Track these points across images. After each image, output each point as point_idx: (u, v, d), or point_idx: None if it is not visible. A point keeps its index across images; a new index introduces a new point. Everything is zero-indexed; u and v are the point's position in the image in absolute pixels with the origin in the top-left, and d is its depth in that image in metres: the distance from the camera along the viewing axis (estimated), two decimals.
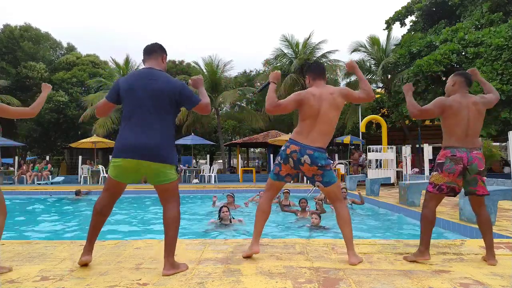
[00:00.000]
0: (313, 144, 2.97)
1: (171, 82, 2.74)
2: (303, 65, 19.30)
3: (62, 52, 29.19)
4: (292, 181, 14.99)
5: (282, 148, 3.08)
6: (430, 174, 3.22)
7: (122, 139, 2.65)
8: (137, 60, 21.82)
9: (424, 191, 7.52)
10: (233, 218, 6.00)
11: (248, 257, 3.09)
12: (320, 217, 5.82)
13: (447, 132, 3.14)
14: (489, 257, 3.04)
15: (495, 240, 3.20)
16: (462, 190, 3.17)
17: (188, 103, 2.79)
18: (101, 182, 15.54)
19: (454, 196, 3.17)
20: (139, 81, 2.69)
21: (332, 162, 3.11)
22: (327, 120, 3.01)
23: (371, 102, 19.85)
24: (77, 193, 10.87)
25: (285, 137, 17.20)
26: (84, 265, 2.83)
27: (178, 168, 15.10)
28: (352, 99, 3.18)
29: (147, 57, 2.87)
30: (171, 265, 2.66)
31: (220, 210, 5.98)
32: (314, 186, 3.16)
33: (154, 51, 2.88)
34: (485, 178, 3.12)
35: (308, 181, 3.26)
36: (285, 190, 8.28)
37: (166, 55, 2.95)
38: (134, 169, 2.67)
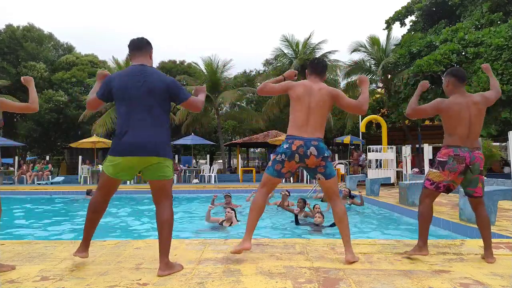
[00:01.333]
0: (314, 136, 3.01)
1: (162, 79, 2.76)
2: (303, 65, 19.31)
3: (62, 53, 29.18)
4: (291, 178, 14.95)
5: (285, 146, 3.04)
6: (427, 171, 3.24)
7: (120, 138, 2.65)
8: None
9: None
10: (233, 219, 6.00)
11: (237, 253, 3.01)
12: (323, 216, 5.85)
13: (449, 131, 3.14)
14: (488, 255, 3.06)
15: (495, 240, 3.21)
16: (462, 190, 3.19)
17: (176, 98, 2.82)
18: None
19: (447, 193, 3.21)
20: (132, 79, 2.69)
21: (330, 153, 3.15)
22: (318, 112, 3.05)
23: (371, 102, 19.87)
24: (88, 192, 10.88)
25: (285, 137, 17.18)
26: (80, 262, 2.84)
27: (179, 168, 15.01)
28: (341, 103, 3.17)
29: (136, 53, 2.84)
30: (166, 266, 2.66)
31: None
32: (315, 179, 3.17)
33: (143, 46, 2.86)
34: (484, 178, 3.14)
35: (308, 175, 3.29)
36: (285, 193, 8.27)
37: (153, 49, 2.94)
38: (133, 166, 2.69)
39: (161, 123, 2.71)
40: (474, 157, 3.03)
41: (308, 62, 3.35)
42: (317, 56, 20.14)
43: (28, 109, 3.08)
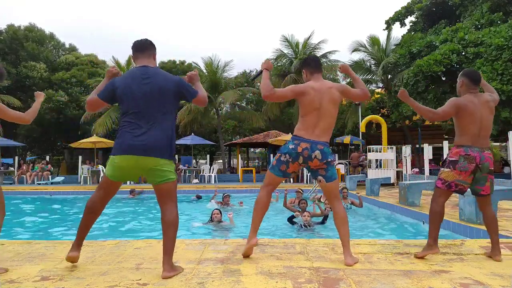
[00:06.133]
0: (320, 139, 3.01)
1: (168, 78, 2.75)
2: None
3: (63, 53, 29.17)
4: (291, 178, 14.93)
5: (291, 147, 3.03)
6: (439, 171, 3.25)
7: (121, 139, 2.64)
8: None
9: (424, 191, 7.55)
10: (223, 221, 6.06)
11: (247, 255, 3.08)
12: (310, 216, 5.89)
13: (460, 130, 3.15)
14: (495, 253, 3.09)
15: None
16: (469, 189, 3.21)
17: (187, 96, 2.82)
18: None
19: (461, 194, 3.23)
20: (136, 81, 2.68)
21: (334, 157, 3.17)
22: (328, 114, 3.04)
23: (371, 102, 19.87)
24: (131, 192, 10.92)
25: (285, 137, 17.18)
26: (72, 262, 2.81)
27: (180, 167, 14.97)
28: (350, 95, 3.22)
29: (139, 55, 2.83)
30: (171, 267, 2.64)
31: (212, 213, 6.11)
32: (316, 180, 3.18)
33: (146, 48, 2.84)
34: (493, 177, 3.15)
35: (309, 175, 3.30)
36: (298, 190, 8.34)
37: (156, 51, 2.93)
38: (132, 167, 2.66)
39: (164, 124, 2.68)
40: (484, 157, 3.05)
41: (302, 62, 3.34)
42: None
43: (20, 119, 3.01)
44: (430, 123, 18.31)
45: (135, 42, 2.88)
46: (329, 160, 3.00)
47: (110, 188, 2.80)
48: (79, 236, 2.80)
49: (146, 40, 2.89)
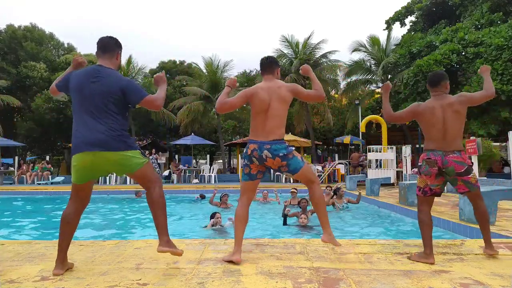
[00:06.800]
0: (268, 139, 3.00)
1: (115, 81, 2.70)
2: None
3: (62, 52, 29.17)
4: (289, 179, 14.92)
5: (245, 151, 3.11)
6: None
7: (74, 137, 2.66)
8: (139, 60, 21.86)
9: None
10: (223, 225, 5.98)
11: (227, 261, 2.97)
12: (307, 217, 5.87)
13: (425, 135, 3.21)
14: (488, 247, 3.10)
15: (495, 240, 3.22)
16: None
17: (132, 100, 2.72)
18: (100, 182, 15.54)
19: (438, 196, 3.25)
20: (86, 79, 2.69)
21: (293, 148, 3.20)
22: (276, 114, 3.03)
23: (371, 102, 19.88)
24: (137, 193, 10.94)
25: (285, 137, 17.16)
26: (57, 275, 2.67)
27: (180, 167, 14.92)
28: (300, 96, 3.18)
29: (101, 54, 2.82)
30: (166, 243, 2.65)
31: (213, 217, 5.89)
32: (284, 176, 3.22)
33: (109, 48, 2.83)
34: (472, 176, 3.08)
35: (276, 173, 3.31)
36: (292, 190, 8.33)
37: (121, 50, 2.91)
38: (92, 164, 2.63)
39: (112, 122, 2.64)
40: (447, 161, 3.02)
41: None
42: (316, 57, 20.11)
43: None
44: None
45: (100, 39, 2.85)
46: (285, 154, 2.97)
47: (80, 193, 2.74)
48: (60, 249, 2.68)
49: (111, 39, 2.87)
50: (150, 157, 15.40)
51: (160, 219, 2.68)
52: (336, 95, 23.67)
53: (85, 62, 3.04)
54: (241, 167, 3.19)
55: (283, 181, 14.85)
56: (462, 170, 3.03)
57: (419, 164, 3.18)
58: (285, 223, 5.99)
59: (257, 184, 3.19)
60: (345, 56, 38.13)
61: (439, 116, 3.08)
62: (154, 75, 3.00)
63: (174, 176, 16.73)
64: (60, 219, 2.72)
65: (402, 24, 23.08)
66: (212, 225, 5.74)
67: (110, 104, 2.67)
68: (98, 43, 2.84)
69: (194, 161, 24.29)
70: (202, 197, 10.40)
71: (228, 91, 3.22)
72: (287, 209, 6.17)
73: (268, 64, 3.18)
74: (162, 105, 2.85)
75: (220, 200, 8.19)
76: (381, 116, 17.52)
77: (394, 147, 13.82)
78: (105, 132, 2.60)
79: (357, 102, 18.45)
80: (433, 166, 3.03)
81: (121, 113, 2.73)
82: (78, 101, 2.69)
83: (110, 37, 2.88)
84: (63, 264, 2.68)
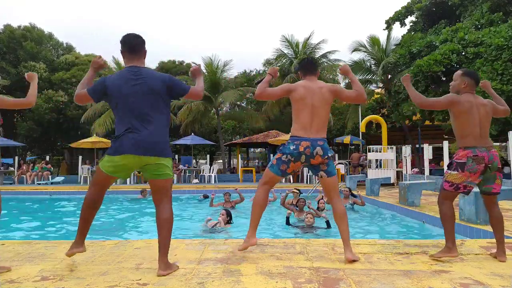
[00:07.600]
0: (319, 136, 3.09)
1: (158, 78, 2.75)
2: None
3: (62, 52, 29.15)
4: (291, 178, 14.91)
5: (292, 148, 3.05)
6: (445, 173, 3.21)
7: (119, 138, 2.64)
8: None
9: (424, 191, 7.55)
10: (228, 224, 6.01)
11: (244, 249, 3.15)
12: (313, 217, 5.85)
13: (461, 131, 3.14)
14: (500, 253, 3.08)
15: (494, 240, 3.21)
16: (478, 190, 3.23)
17: (179, 93, 2.86)
18: None
19: (467, 194, 3.23)
20: (128, 83, 2.66)
21: (333, 152, 3.31)
22: (321, 113, 3.12)
23: (371, 102, 19.87)
24: (142, 192, 10.92)
25: (285, 137, 17.16)
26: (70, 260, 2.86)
27: (180, 167, 14.90)
28: (341, 97, 3.27)
29: (129, 54, 2.77)
30: (166, 265, 2.67)
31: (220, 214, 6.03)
32: (317, 177, 3.25)
33: (139, 48, 2.80)
34: (501, 174, 3.16)
35: (309, 175, 3.39)
36: (294, 190, 8.31)
37: (146, 45, 2.89)
38: (131, 166, 2.69)
39: (160, 123, 2.70)
40: (492, 156, 3.05)
41: (298, 64, 3.41)
42: (316, 57, 20.13)
43: (22, 104, 3.03)
44: (430, 123, 18.32)
45: (127, 39, 2.77)
46: (330, 155, 3.09)
47: (105, 183, 2.81)
48: (81, 232, 2.80)
49: (138, 38, 2.81)
50: None
51: (166, 240, 2.68)
52: None
53: (106, 64, 3.04)
54: (276, 160, 3.16)
55: (283, 181, 14.88)
56: (500, 165, 3.10)
57: (461, 161, 3.06)
58: (287, 223, 5.99)
59: (280, 179, 3.34)
60: (345, 56, 38.20)
61: (477, 113, 3.10)
62: (191, 68, 3.18)
63: (174, 176, 16.73)
64: (82, 206, 2.77)
65: (402, 24, 23.05)
66: (214, 226, 5.77)
67: (160, 103, 2.71)
68: (125, 44, 2.78)
69: (194, 161, 24.27)
70: (206, 197, 10.43)
71: (269, 79, 3.32)
72: (288, 211, 6.21)
73: (312, 65, 3.32)
74: (203, 94, 3.02)
75: (224, 200, 8.13)
76: (381, 115, 17.55)
77: (394, 147, 13.82)
78: (153, 136, 2.64)
79: (352, 103, 18.42)
80: (480, 163, 3.03)
81: (167, 112, 2.80)
82: (123, 107, 2.66)
83: (136, 36, 2.82)
84: (83, 243, 2.83)
